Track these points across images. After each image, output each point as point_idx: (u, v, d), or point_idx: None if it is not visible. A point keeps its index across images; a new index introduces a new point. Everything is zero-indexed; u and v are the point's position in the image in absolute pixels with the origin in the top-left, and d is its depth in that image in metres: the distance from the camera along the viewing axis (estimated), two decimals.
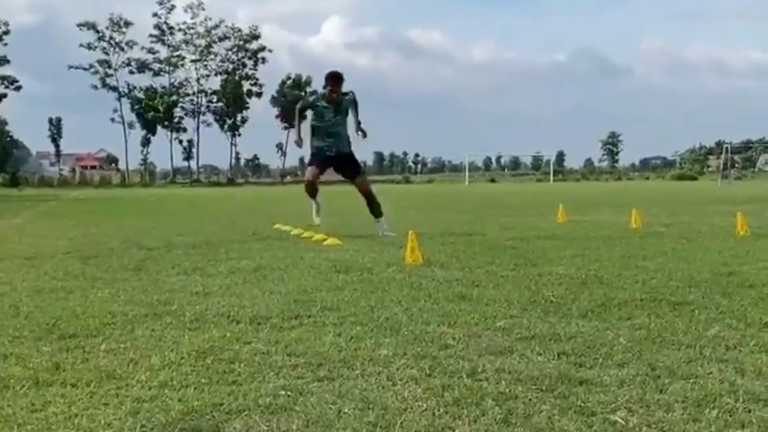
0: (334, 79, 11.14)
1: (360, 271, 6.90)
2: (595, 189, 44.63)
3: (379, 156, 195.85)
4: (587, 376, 3.35)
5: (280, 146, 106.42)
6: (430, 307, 5.08)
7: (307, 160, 11.98)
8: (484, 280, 6.26)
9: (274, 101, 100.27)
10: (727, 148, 68.58)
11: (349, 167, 11.55)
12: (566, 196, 27.67)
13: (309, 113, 11.54)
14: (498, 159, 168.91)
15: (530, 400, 3.06)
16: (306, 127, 11.59)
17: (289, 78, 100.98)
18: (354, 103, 11.40)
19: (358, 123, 11.40)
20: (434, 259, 7.66)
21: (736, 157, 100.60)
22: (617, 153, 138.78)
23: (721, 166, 69.79)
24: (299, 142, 11.60)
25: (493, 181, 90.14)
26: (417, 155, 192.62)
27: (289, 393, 3.19)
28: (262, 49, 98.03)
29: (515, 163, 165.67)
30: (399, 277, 6.48)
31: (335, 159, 11.36)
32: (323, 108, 11.19)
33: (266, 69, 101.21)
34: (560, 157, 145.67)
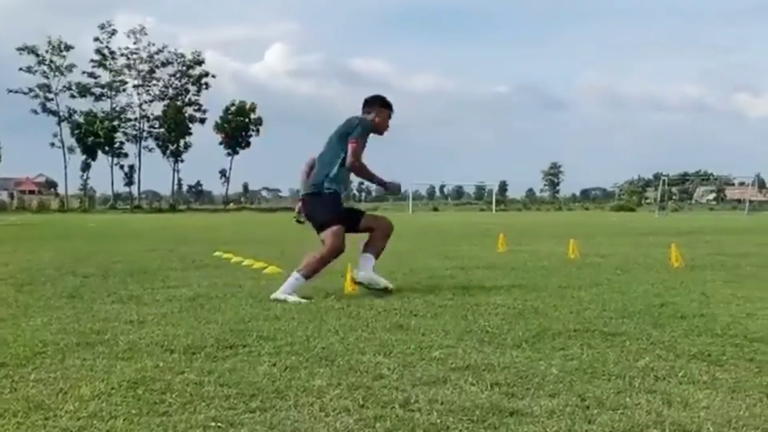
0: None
1: (299, 301, 6.87)
2: (536, 219, 45.10)
3: None
4: (518, 407, 3.38)
5: (223, 172, 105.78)
6: (367, 336, 5.08)
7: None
8: (422, 310, 6.29)
9: (218, 127, 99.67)
10: (664, 180, 69.99)
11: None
12: (507, 226, 27.93)
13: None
14: (442, 188, 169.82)
15: (461, 430, 3.08)
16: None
17: (233, 104, 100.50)
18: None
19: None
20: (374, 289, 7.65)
21: (673, 189, 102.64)
22: (558, 184, 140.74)
23: (659, 198, 71.13)
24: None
25: (436, 210, 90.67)
26: (362, 184, 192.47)
27: (219, 424, 3.17)
28: (206, 74, 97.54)
29: (459, 193, 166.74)
30: (337, 307, 6.47)
31: None
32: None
33: (209, 95, 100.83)
34: (503, 187, 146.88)
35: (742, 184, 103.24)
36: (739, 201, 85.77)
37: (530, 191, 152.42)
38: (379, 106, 7.91)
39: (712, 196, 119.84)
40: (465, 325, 5.54)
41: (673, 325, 5.47)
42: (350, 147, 7.54)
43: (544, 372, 4.03)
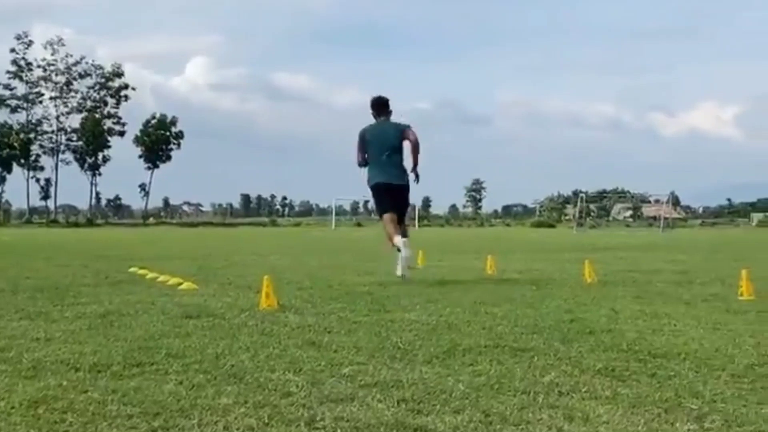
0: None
1: (212, 317, 6.82)
2: (458, 235, 45.52)
3: (246, 198, 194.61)
4: (423, 423, 3.40)
5: (143, 186, 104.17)
6: (278, 353, 5.06)
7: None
8: (336, 326, 6.29)
9: (138, 141, 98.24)
10: (582, 197, 71.28)
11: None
12: (428, 241, 28.10)
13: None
14: (365, 204, 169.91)
15: None
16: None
17: (153, 117, 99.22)
18: None
19: None
20: (289, 305, 7.65)
21: (591, 206, 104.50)
22: (480, 200, 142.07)
23: (577, 215, 72.42)
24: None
25: (359, 225, 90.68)
26: (285, 198, 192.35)
27: None
28: (125, 87, 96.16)
29: None
30: (251, 323, 6.43)
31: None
32: None
33: (129, 107, 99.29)
34: (426, 202, 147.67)
35: (657, 201, 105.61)
36: (654, 218, 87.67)
37: (453, 207, 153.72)
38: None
39: (628, 213, 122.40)
40: (378, 341, 5.56)
41: (580, 341, 5.57)
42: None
43: (452, 388, 4.06)
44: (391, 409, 3.65)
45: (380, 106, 10.97)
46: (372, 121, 10.96)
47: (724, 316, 6.91)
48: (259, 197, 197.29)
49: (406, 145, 10.88)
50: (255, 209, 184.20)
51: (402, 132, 10.82)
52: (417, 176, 11.01)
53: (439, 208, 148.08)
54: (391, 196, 10.89)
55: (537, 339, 5.64)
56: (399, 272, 10.61)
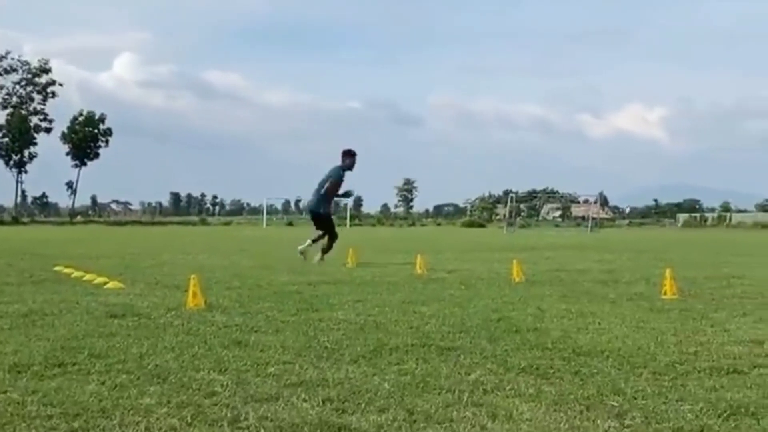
0: (354, 153, 15.08)
1: (137, 317, 6.72)
2: (389, 234, 45.59)
3: (176, 196, 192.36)
4: (347, 422, 3.39)
5: (70, 184, 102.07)
6: (203, 353, 5.01)
7: None
8: (263, 326, 6.25)
9: (65, 138, 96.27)
10: (512, 197, 71.99)
11: None
12: (359, 240, 28.10)
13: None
14: (297, 202, 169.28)
15: None
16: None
17: (81, 114, 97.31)
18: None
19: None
20: (217, 304, 7.58)
21: (521, 206, 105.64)
22: (412, 199, 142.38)
23: (507, 215, 73.13)
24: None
25: (290, 224, 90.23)
26: (215, 197, 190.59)
27: None
28: (52, 83, 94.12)
29: None
30: (177, 323, 6.36)
31: None
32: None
33: (55, 104, 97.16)
34: (358, 201, 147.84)
35: (586, 201, 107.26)
36: (583, 218, 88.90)
37: (385, 206, 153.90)
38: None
39: (558, 213, 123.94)
40: (305, 340, 5.54)
41: (507, 339, 5.62)
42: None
43: (377, 387, 4.06)
44: (316, 408, 3.64)
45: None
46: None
47: (647, 315, 7.04)
48: (189, 196, 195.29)
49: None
50: (185, 208, 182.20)
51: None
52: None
53: (370, 208, 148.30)
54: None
55: (464, 338, 5.68)
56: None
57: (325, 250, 14.63)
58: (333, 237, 14.83)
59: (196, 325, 6.25)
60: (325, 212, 15.13)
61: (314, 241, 14.81)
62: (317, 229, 14.99)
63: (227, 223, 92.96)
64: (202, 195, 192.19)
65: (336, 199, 16.03)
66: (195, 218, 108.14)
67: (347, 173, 14.97)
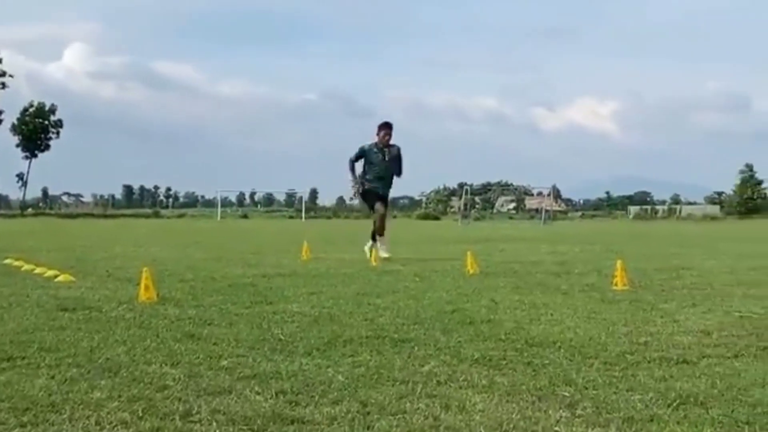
0: (388, 126, 13.67)
1: (88, 310, 6.65)
2: (344, 227, 45.54)
3: (128, 189, 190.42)
4: (300, 415, 3.39)
5: (20, 176, 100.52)
6: (155, 346, 4.96)
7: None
8: (217, 319, 6.21)
9: (15, 129, 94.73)
10: (467, 189, 72.36)
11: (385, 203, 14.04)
12: (315, 233, 28.08)
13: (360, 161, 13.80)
14: (252, 195, 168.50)
15: None
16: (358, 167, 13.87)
17: (31, 106, 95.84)
18: (399, 154, 13.79)
19: (399, 171, 13.95)
20: (169, 297, 7.52)
21: (476, 199, 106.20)
22: None
23: (462, 207, 73.48)
24: (358, 188, 13.97)
25: (245, 217, 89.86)
26: (169, 189, 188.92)
27: None
28: (2, 74, 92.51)
29: (269, 200, 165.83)
30: (129, 316, 6.29)
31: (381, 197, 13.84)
32: (374, 153, 13.61)
33: (4, 95, 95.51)
34: (314, 194, 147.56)
35: (540, 194, 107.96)
36: (536, 210, 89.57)
37: (340, 199, 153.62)
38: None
39: (512, 205, 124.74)
40: (259, 333, 5.51)
41: (460, 331, 5.64)
42: None
43: (331, 379, 4.06)
44: (269, 401, 3.62)
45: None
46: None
47: (599, 306, 7.11)
48: (142, 188, 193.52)
49: None
50: (138, 200, 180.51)
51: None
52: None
53: (326, 200, 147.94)
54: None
55: (418, 329, 5.69)
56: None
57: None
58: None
59: (148, 318, 6.19)
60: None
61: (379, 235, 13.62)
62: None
63: (181, 216, 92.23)
64: (156, 187, 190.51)
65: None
66: (148, 211, 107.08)
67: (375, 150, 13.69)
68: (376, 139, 13.69)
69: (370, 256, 12.76)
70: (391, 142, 13.69)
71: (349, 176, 13.90)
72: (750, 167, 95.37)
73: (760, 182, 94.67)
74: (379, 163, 13.63)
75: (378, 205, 13.71)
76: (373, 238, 13.54)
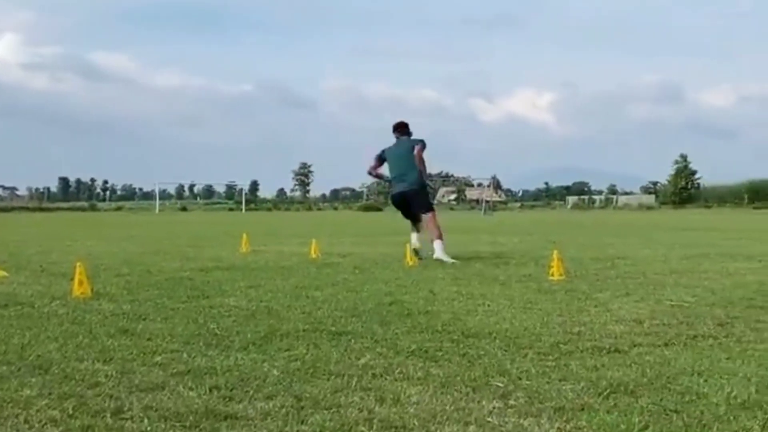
0: (399, 127, 12.33)
1: (20, 306, 6.54)
2: (285, 219, 45.37)
3: (64, 181, 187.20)
4: (234, 410, 3.37)
5: None
6: (88, 343, 4.90)
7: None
8: (152, 313, 6.14)
9: None
10: None
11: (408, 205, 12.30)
12: (254, 226, 27.92)
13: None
14: (191, 187, 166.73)
15: None
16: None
17: None
18: (411, 145, 12.14)
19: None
20: (104, 292, 7.42)
21: None
22: (308, 183, 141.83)
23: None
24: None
25: (184, 209, 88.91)
26: (106, 182, 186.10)
27: None
28: None
29: (209, 192, 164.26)
30: (62, 312, 6.20)
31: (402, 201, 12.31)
32: (388, 151, 12.25)
33: None
34: (254, 186, 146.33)
35: (480, 185, 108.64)
36: (477, 201, 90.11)
37: (281, 191, 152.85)
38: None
39: (453, 196, 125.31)
40: (194, 328, 5.47)
41: (398, 323, 5.66)
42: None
43: (266, 373, 4.04)
44: (203, 396, 3.60)
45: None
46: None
47: (535, 296, 7.19)
48: (78, 181, 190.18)
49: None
50: (74, 193, 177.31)
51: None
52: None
53: (267, 192, 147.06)
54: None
55: (355, 322, 5.69)
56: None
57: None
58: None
59: (81, 314, 6.10)
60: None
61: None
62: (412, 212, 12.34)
63: (118, 209, 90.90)
64: (92, 180, 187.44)
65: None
66: (85, 204, 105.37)
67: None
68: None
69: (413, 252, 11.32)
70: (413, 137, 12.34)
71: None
72: (684, 157, 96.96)
73: (694, 172, 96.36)
74: (391, 160, 12.21)
75: (412, 221, 12.25)
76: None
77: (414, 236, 11.92)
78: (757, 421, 3.22)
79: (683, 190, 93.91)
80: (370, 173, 12.86)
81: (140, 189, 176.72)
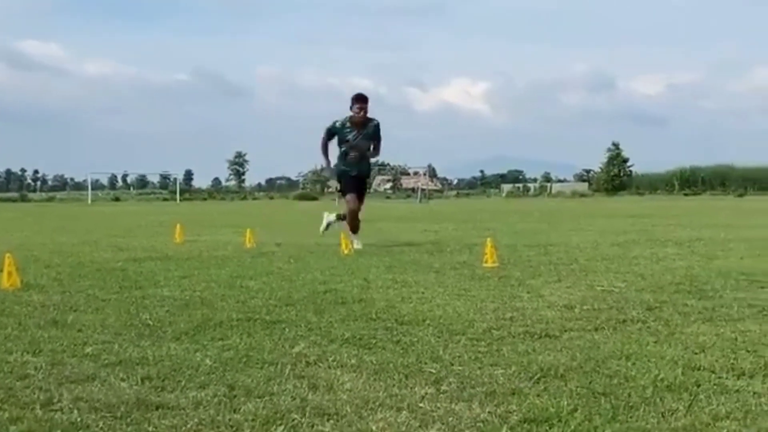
0: (362, 98, 11.65)
1: None
2: (220, 209, 45.01)
3: None
4: (165, 401, 3.35)
5: None
6: (17, 334, 4.82)
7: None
8: (83, 305, 6.06)
9: None
10: None
11: (362, 188, 12.36)
12: (189, 215, 27.67)
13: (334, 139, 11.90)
14: (124, 177, 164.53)
15: (101, 428, 3.00)
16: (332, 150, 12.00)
17: None
18: (377, 130, 11.83)
19: (376, 150, 12.02)
20: (34, 284, 7.30)
21: None
22: (244, 173, 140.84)
23: (339, 187, 73.55)
24: (331, 173, 12.50)
25: (117, 200, 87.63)
26: (36, 172, 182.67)
27: None
28: None
29: (142, 182, 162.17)
30: None
31: (357, 180, 12.10)
32: (347, 130, 11.67)
33: None
34: (188, 176, 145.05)
35: (416, 173, 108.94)
36: (413, 190, 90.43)
37: (216, 180, 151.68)
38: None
39: (389, 185, 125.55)
40: (126, 318, 5.41)
41: (332, 311, 5.67)
42: None
43: (199, 363, 4.02)
44: (134, 387, 3.57)
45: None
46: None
47: (469, 283, 7.25)
48: (8, 171, 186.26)
49: None
50: (4, 184, 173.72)
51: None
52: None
53: (201, 182, 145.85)
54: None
55: (290, 311, 5.69)
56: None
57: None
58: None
59: (10, 305, 5.99)
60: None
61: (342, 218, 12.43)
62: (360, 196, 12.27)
63: (50, 199, 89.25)
64: (23, 170, 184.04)
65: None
66: (15, 194, 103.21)
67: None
68: (350, 114, 11.68)
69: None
70: (369, 116, 11.72)
71: (323, 161, 12.36)
72: (617, 145, 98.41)
73: (626, 160, 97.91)
74: (353, 142, 11.72)
75: (351, 199, 12.09)
76: (354, 231, 11.97)
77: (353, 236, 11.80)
78: (683, 403, 3.31)
79: (616, 178, 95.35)
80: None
81: (72, 179, 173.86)
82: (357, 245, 11.41)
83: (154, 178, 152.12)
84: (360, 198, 12.24)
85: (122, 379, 3.70)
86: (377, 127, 11.85)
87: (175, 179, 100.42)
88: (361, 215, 12.20)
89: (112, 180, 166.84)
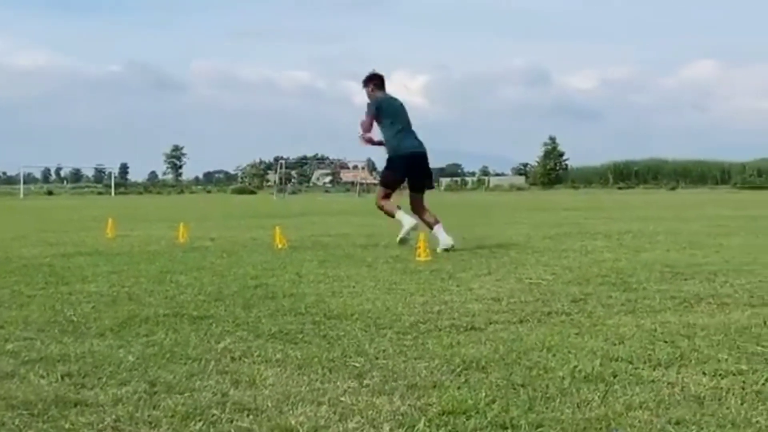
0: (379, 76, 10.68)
1: None
2: (155, 202, 44.52)
3: None
4: (84, 397, 3.32)
5: None
6: None
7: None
8: (7, 301, 5.96)
9: None
10: (282, 163, 72.13)
11: None
12: (123, 209, 27.31)
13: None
14: (58, 171, 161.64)
15: (17, 425, 2.97)
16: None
17: None
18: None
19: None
20: None
21: (293, 172, 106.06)
22: (181, 166, 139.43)
23: (278, 181, 73.31)
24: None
25: (50, 194, 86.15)
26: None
27: None
28: None
29: (76, 176, 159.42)
30: None
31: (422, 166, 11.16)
32: (392, 102, 10.63)
33: None
34: (124, 169, 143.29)
35: (355, 167, 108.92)
36: (352, 183, 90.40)
37: (153, 174, 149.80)
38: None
39: (328, 179, 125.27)
40: (50, 315, 5.34)
41: (261, 306, 5.65)
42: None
43: (121, 359, 3.99)
44: (54, 384, 3.53)
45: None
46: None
47: (400, 277, 7.29)
48: None
49: None
50: None
51: None
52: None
53: (137, 176, 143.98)
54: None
55: (218, 306, 5.66)
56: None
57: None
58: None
59: None
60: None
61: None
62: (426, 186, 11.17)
63: None
64: None
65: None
66: None
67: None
68: (368, 97, 10.58)
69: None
70: (369, 97, 10.63)
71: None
72: (553, 139, 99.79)
73: (561, 154, 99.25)
74: (402, 112, 10.50)
75: (413, 195, 11.12)
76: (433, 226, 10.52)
77: (405, 215, 10.86)
78: (598, 393, 3.38)
79: (552, 171, 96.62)
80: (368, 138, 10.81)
81: (4, 173, 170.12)
82: (449, 241, 9.94)
83: (89, 172, 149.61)
84: (426, 183, 11.42)
85: (42, 377, 3.66)
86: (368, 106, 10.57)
87: (110, 173, 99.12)
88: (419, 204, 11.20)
89: (46, 174, 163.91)
